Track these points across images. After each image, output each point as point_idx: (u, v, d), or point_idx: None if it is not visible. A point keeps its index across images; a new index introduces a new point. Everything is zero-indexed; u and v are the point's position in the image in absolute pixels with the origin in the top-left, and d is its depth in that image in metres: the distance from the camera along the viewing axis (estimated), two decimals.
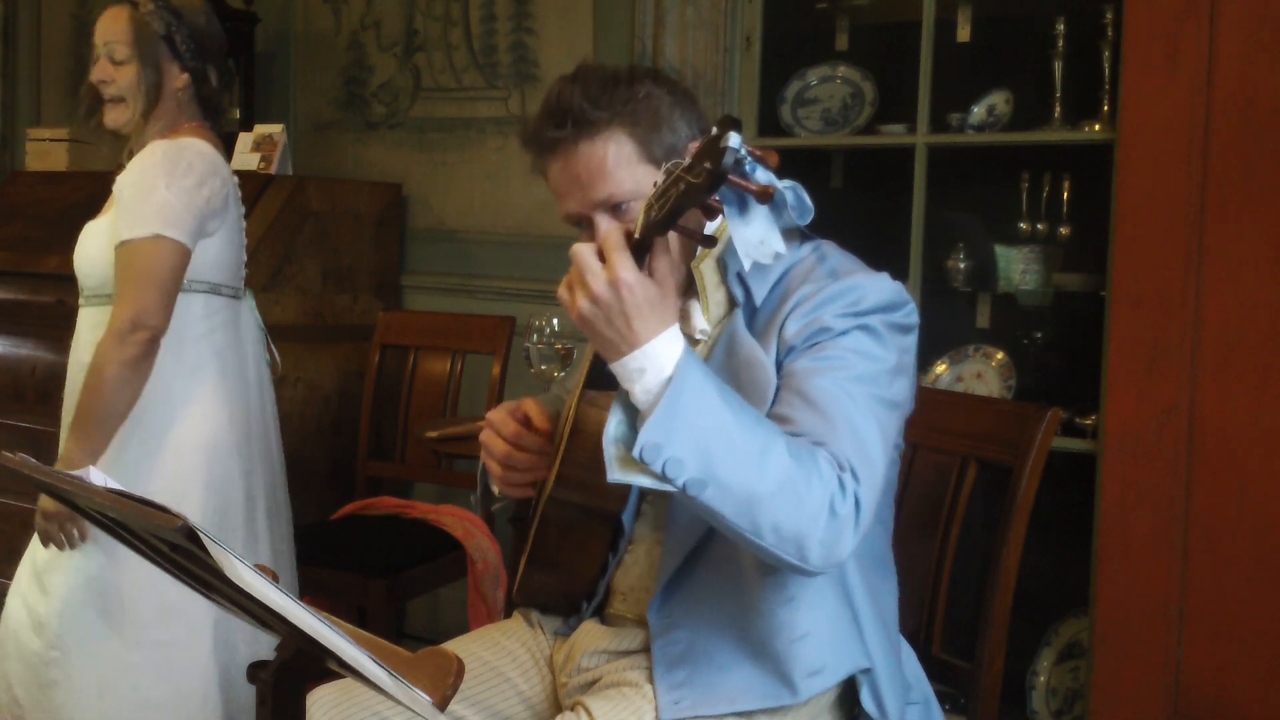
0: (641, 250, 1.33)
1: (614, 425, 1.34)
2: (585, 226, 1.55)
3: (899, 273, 2.92)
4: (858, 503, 1.35)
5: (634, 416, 1.34)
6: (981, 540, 1.86)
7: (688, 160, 1.27)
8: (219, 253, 2.44)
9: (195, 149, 2.39)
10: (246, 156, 3.56)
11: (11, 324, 3.49)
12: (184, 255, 2.33)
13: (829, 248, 1.56)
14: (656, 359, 1.32)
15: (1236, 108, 2.37)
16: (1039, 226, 3.03)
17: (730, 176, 1.24)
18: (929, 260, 2.99)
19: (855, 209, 3.37)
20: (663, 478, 1.30)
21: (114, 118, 2.44)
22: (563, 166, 1.53)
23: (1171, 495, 2.44)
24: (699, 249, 1.54)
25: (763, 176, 1.30)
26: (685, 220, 1.32)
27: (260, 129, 3.65)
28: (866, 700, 1.53)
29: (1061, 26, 2.90)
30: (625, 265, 1.31)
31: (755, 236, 1.42)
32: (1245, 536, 2.38)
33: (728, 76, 3.15)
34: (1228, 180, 2.39)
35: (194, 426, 2.41)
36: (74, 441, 2.28)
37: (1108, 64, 2.80)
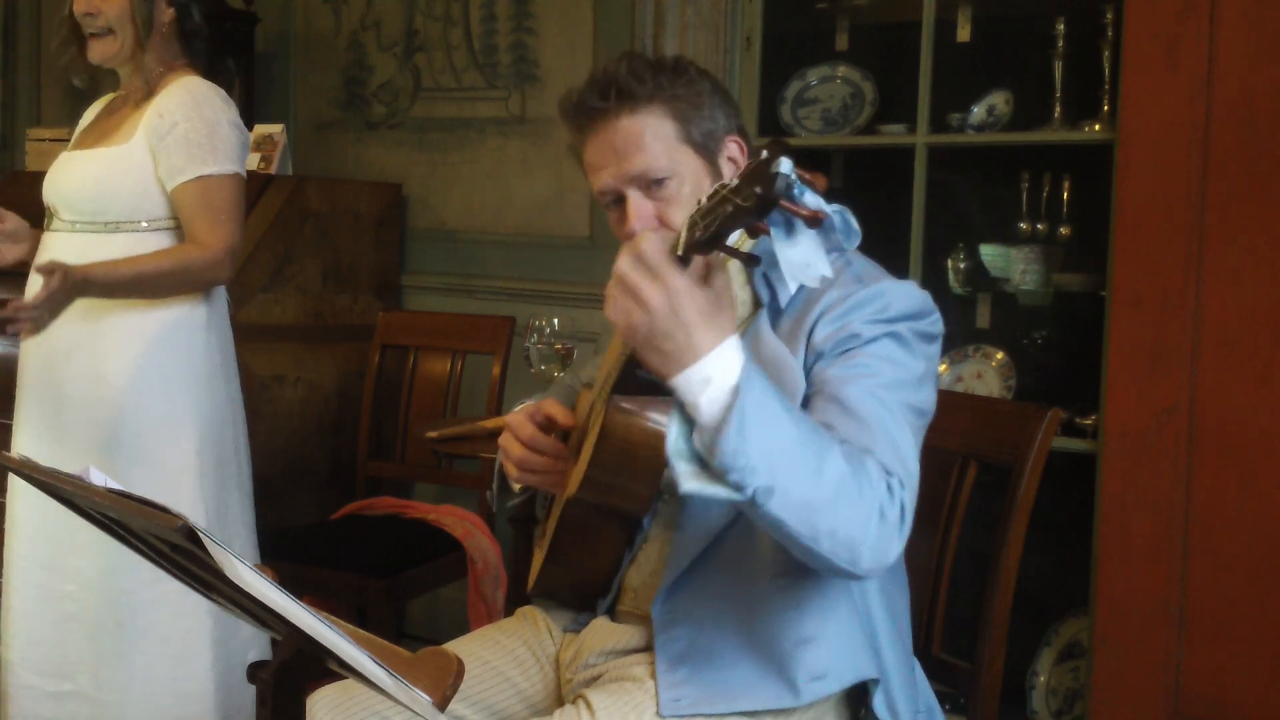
0: (683, 266, 1.32)
1: (675, 438, 1.32)
2: (617, 205, 1.56)
3: (899, 273, 2.93)
4: (903, 508, 1.36)
5: (692, 428, 1.32)
6: (981, 540, 1.86)
7: (735, 181, 1.25)
8: None
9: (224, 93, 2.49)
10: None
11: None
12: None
13: (854, 254, 1.57)
14: (721, 369, 1.29)
15: (1236, 108, 2.37)
16: (1039, 226, 3.03)
17: (781, 201, 1.23)
18: (929, 260, 2.99)
19: (855, 209, 3.34)
20: (737, 488, 1.29)
21: (101, 51, 2.46)
22: (602, 138, 1.55)
23: (1171, 495, 2.44)
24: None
25: (811, 201, 1.29)
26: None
27: (260, 129, 3.65)
28: (879, 708, 1.53)
29: (1061, 26, 2.90)
30: (677, 275, 1.29)
31: (801, 259, 1.42)
32: (1245, 536, 2.38)
33: (728, 76, 3.15)
34: (1228, 180, 2.39)
35: (189, 368, 2.45)
36: (108, 271, 2.30)
37: (1108, 64, 2.80)
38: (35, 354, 2.47)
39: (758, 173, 1.23)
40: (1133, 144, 2.49)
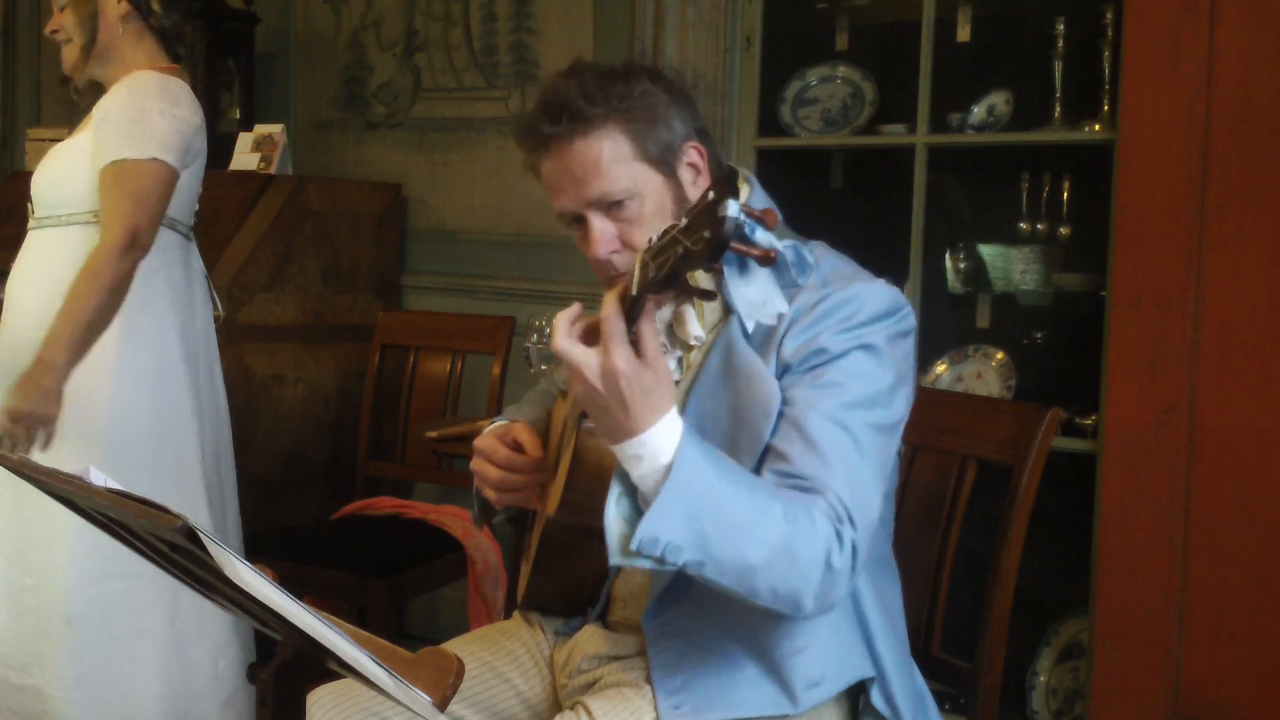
0: (636, 309, 1.31)
1: (614, 500, 1.33)
2: (578, 225, 1.54)
3: (899, 273, 2.93)
4: (854, 550, 1.36)
5: (633, 489, 1.33)
6: (981, 540, 1.86)
7: (685, 221, 1.24)
8: (184, 190, 2.47)
9: (181, 86, 2.46)
10: (246, 156, 3.56)
11: None
12: (174, 181, 2.40)
13: (821, 251, 1.55)
14: (653, 447, 1.30)
15: (1236, 108, 2.37)
16: (1039, 226, 3.03)
17: (732, 244, 1.21)
18: (929, 260, 2.99)
19: (855, 209, 3.37)
20: (661, 561, 1.30)
21: (64, 57, 2.48)
22: (557, 163, 1.51)
23: (1171, 495, 2.44)
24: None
25: (763, 239, 1.28)
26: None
27: (260, 129, 3.65)
28: (878, 702, 1.53)
29: (1061, 26, 2.90)
30: (621, 356, 1.29)
31: (757, 297, 1.42)
32: (1245, 536, 2.38)
33: (728, 76, 3.15)
34: (1228, 180, 2.39)
35: (143, 357, 2.43)
36: (58, 348, 2.26)
37: (1108, 64, 2.80)
38: (6, 350, 2.46)
39: (705, 215, 1.21)
40: (1133, 144, 2.49)
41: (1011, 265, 3.03)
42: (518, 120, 1.55)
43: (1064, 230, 3.00)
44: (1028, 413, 1.80)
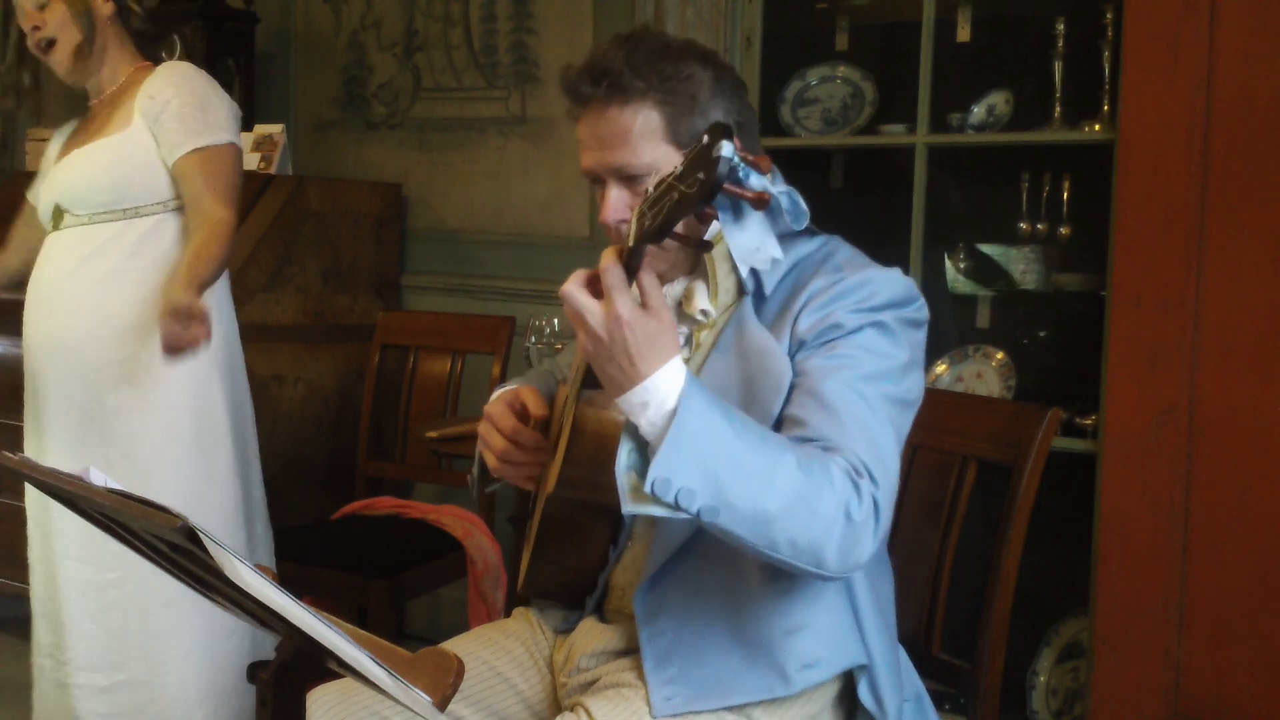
0: (634, 259, 1.32)
1: (624, 455, 1.33)
2: (598, 184, 1.56)
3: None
4: (876, 506, 1.35)
5: (643, 444, 1.34)
6: (981, 540, 1.86)
7: (680, 168, 1.25)
8: None
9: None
10: (246, 156, 3.56)
11: (12, 323, 3.49)
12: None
13: (837, 243, 1.57)
14: (658, 393, 1.31)
15: (1236, 108, 2.37)
16: (1039, 226, 3.03)
17: (725, 185, 1.23)
18: (929, 260, 2.99)
19: (855, 209, 3.37)
20: (675, 507, 1.30)
21: (54, 63, 2.48)
22: (590, 123, 1.54)
23: (1171, 495, 2.44)
24: (709, 230, 1.54)
25: (757, 183, 1.29)
26: (680, 227, 1.32)
27: (260, 129, 3.65)
28: (865, 695, 1.53)
29: (1061, 26, 2.90)
30: (624, 303, 1.30)
31: (751, 243, 1.43)
32: (1245, 536, 2.38)
33: None
34: (1228, 180, 2.39)
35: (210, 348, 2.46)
36: (192, 286, 2.25)
37: (1108, 64, 2.80)
38: (66, 353, 2.45)
39: (700, 158, 1.23)
40: (1133, 144, 2.49)
41: (1011, 265, 3.03)
42: (565, 71, 1.56)
43: (1064, 230, 3.00)
44: (1028, 413, 1.80)
